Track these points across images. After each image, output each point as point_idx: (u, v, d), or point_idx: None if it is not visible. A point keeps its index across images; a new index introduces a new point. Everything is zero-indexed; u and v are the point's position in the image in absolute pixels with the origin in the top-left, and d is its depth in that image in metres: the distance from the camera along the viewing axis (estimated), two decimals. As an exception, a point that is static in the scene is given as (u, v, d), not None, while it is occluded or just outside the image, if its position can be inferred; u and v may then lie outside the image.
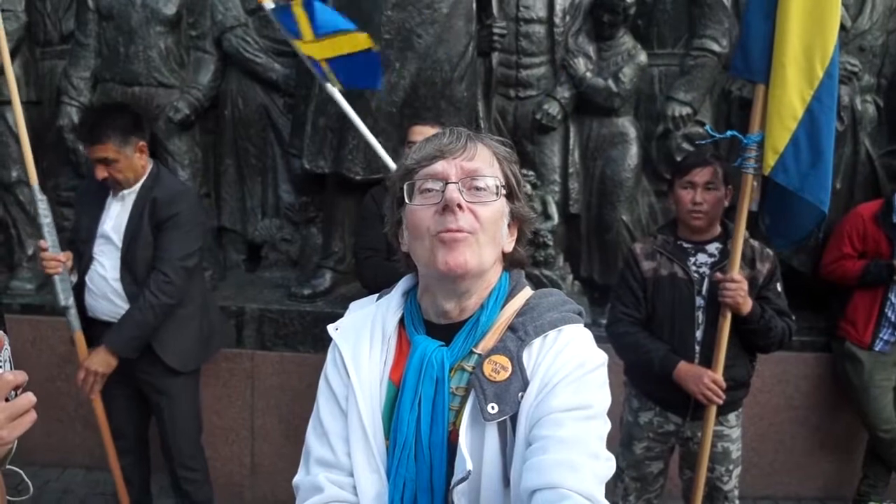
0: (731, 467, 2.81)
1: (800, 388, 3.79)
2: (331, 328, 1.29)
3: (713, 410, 2.66)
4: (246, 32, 3.70)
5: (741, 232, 2.63)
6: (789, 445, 3.83)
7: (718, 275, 2.65)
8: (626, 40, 3.78)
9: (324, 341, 3.45)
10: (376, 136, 3.34)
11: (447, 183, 1.13)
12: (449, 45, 3.38)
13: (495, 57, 3.74)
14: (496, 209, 1.16)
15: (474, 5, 3.51)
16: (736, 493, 2.87)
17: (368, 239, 2.94)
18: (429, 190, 1.15)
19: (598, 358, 1.14)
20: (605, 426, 1.11)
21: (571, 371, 1.09)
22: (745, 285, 2.60)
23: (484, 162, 1.17)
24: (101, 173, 2.70)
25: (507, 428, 1.11)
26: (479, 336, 1.17)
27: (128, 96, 3.63)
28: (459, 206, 1.12)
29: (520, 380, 1.10)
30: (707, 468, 2.75)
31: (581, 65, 3.74)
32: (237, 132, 3.83)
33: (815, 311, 3.85)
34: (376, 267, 2.86)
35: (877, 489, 3.69)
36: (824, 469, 3.88)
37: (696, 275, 2.70)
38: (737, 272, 2.62)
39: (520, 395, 1.09)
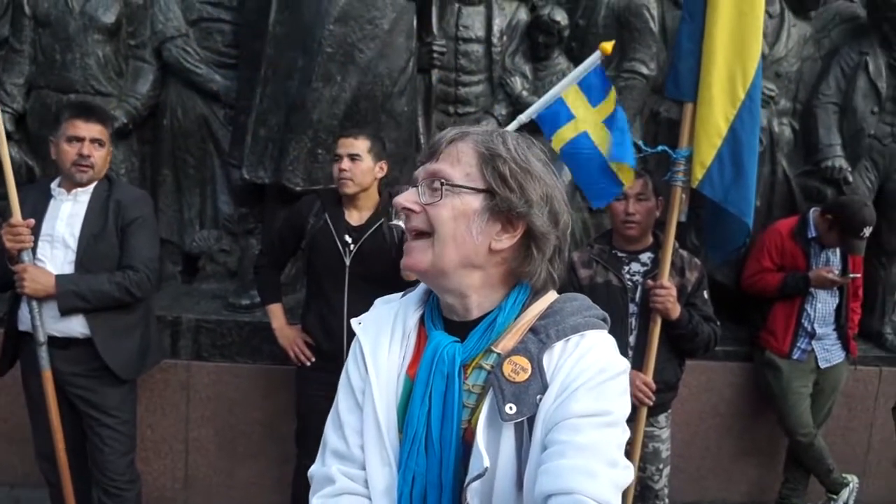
0: (661, 466, 2.93)
1: (724, 395, 3.95)
2: (354, 322, 1.29)
3: (644, 412, 2.77)
4: (187, 43, 3.68)
5: (670, 241, 2.78)
6: (715, 451, 3.98)
7: (649, 282, 2.78)
8: (560, 61, 3.95)
9: (261, 352, 3.48)
10: (316, 147, 3.41)
11: (415, 186, 1.18)
12: (390, 60, 3.46)
13: (435, 74, 3.85)
14: (452, 208, 1.14)
15: (415, 23, 3.60)
16: (666, 491, 2.99)
17: (265, 246, 3.27)
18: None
19: (620, 365, 1.13)
20: (625, 434, 1.10)
21: (592, 376, 1.08)
22: (673, 292, 2.74)
23: (450, 161, 1.16)
24: (87, 149, 2.73)
25: (524, 430, 1.09)
26: (495, 335, 1.16)
27: (63, 104, 3.56)
28: (407, 209, 1.16)
29: (539, 382, 1.09)
30: (639, 468, 2.85)
31: (518, 83, 3.88)
32: (176, 143, 3.79)
33: (738, 322, 4.03)
34: (259, 279, 3.14)
35: (797, 492, 3.87)
36: (748, 474, 4.04)
37: (629, 283, 2.83)
38: (666, 280, 2.75)
39: (538, 397, 1.08)
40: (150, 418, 3.48)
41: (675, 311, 2.74)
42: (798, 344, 3.69)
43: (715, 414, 3.95)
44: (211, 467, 3.56)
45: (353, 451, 1.19)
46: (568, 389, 1.07)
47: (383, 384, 1.19)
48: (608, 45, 2.80)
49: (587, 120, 2.86)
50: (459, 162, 1.15)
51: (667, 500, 3.01)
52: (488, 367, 1.13)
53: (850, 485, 3.80)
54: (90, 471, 2.95)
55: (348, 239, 2.87)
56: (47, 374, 2.73)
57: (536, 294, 1.20)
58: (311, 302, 3.03)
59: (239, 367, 3.51)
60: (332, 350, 2.91)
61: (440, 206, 1.14)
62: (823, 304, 3.69)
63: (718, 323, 2.92)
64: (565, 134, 2.89)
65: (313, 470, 1.24)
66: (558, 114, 2.91)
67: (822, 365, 3.72)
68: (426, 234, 1.15)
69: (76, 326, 2.74)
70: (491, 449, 1.08)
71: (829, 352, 3.73)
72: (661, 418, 2.91)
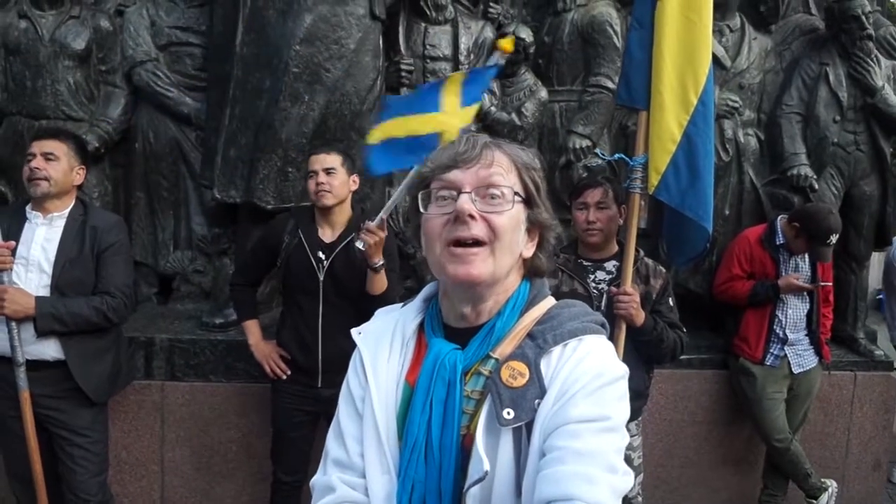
0: (633, 475, 2.92)
1: (701, 403, 3.96)
2: (354, 332, 1.29)
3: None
4: (157, 67, 3.73)
5: (632, 248, 2.80)
6: (695, 460, 3.98)
7: (613, 289, 2.80)
8: (527, 77, 4.02)
9: (235, 370, 3.48)
10: (286, 166, 3.44)
11: (460, 192, 1.14)
12: (356, 79, 3.51)
13: (404, 92, 3.89)
14: (511, 217, 1.15)
15: (381, 42, 3.65)
16: (640, 499, 2.98)
17: (239, 264, 3.34)
18: (443, 198, 1.16)
19: (619, 370, 1.12)
20: (623, 439, 1.10)
21: (590, 381, 1.08)
22: (637, 298, 2.76)
23: (499, 170, 1.16)
24: (37, 163, 2.75)
25: (523, 435, 1.09)
26: (494, 342, 1.17)
27: (35, 130, 3.59)
28: (472, 216, 1.13)
29: (537, 387, 1.09)
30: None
31: (486, 100, 3.93)
32: (148, 165, 3.82)
33: (713, 331, 4.07)
34: (235, 296, 3.20)
35: (777, 498, 3.88)
36: (728, 482, 4.04)
37: (595, 291, 2.85)
38: (629, 286, 2.77)
39: (536, 402, 1.08)
40: (124, 440, 3.47)
41: (640, 317, 2.75)
42: (771, 350, 3.72)
43: (693, 422, 3.96)
44: (187, 488, 3.55)
45: (353, 459, 1.19)
46: (566, 395, 1.07)
47: (382, 392, 1.19)
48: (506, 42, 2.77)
49: (449, 122, 2.49)
50: (508, 172, 1.17)
51: (640, 508, 3.02)
52: (486, 373, 1.14)
53: (829, 489, 3.79)
54: (62, 492, 2.94)
55: (321, 255, 2.90)
56: (25, 395, 2.73)
57: (534, 299, 1.22)
58: (287, 317, 3.06)
59: (213, 386, 3.51)
60: (307, 364, 2.94)
61: (505, 214, 1.15)
62: (794, 310, 3.73)
63: (685, 330, 2.94)
64: (417, 125, 2.51)
65: (315, 479, 1.24)
66: (426, 98, 2.59)
67: (796, 370, 3.74)
68: (482, 242, 1.14)
69: (49, 350, 2.75)
70: (489, 454, 1.08)
71: (802, 357, 3.75)
72: (632, 426, 2.91)
